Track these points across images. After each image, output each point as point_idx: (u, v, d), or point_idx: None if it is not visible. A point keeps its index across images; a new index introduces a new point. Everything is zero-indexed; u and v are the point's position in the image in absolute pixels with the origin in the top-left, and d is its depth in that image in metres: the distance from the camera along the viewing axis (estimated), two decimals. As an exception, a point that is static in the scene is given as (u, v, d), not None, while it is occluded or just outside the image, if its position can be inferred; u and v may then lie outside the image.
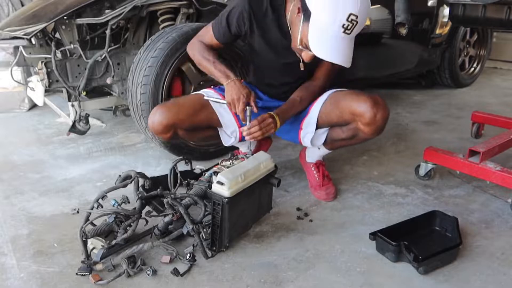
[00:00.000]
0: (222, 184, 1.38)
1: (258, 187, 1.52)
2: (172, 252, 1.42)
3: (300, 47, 1.46)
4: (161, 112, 1.63)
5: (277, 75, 1.76)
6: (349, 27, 1.32)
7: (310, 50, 1.41)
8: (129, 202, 1.53)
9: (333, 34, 1.34)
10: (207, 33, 1.71)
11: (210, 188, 1.43)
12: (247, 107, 1.57)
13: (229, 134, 1.81)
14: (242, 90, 1.58)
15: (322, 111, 1.70)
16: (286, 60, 1.65)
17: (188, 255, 1.41)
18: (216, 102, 1.71)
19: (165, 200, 1.50)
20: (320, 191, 1.86)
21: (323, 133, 1.77)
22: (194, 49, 1.71)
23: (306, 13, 1.39)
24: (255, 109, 1.59)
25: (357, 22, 1.32)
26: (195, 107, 1.69)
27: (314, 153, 1.92)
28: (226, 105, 1.73)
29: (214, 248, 1.45)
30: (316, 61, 1.51)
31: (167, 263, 1.41)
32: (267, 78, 1.81)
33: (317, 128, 1.73)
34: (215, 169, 1.49)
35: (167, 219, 1.49)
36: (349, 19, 1.31)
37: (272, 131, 1.59)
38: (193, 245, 1.46)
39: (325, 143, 1.81)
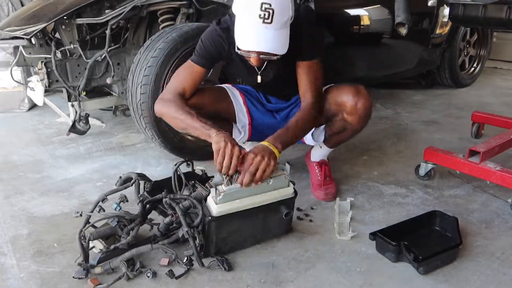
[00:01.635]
0: (213, 201, 1.36)
1: (263, 211, 1.44)
2: (171, 255, 1.40)
3: (239, 51, 1.47)
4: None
5: (259, 88, 1.81)
6: (266, 16, 1.35)
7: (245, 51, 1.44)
8: (127, 201, 1.52)
9: (254, 26, 1.38)
10: (184, 72, 1.63)
11: (206, 199, 1.41)
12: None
13: (239, 129, 1.84)
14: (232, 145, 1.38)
15: None
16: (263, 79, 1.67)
17: (186, 258, 1.39)
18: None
19: (163, 200, 1.48)
20: (320, 191, 1.86)
21: (322, 130, 1.80)
22: (165, 104, 1.56)
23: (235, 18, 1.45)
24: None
25: (273, 10, 1.35)
26: (217, 95, 1.75)
27: (317, 152, 1.94)
28: (241, 101, 1.80)
29: (202, 253, 1.42)
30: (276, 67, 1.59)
31: (165, 266, 1.40)
32: (258, 90, 1.87)
33: None
34: (217, 177, 1.41)
35: (167, 220, 1.48)
36: (263, 8, 1.35)
37: (271, 167, 1.37)
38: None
39: (325, 141, 1.83)
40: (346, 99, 1.62)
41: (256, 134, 1.86)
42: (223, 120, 1.81)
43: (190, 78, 1.61)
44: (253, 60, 1.49)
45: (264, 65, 1.58)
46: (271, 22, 1.36)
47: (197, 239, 1.38)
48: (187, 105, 1.55)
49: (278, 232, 1.56)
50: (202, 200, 1.44)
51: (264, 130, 1.85)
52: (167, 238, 1.50)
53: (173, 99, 1.56)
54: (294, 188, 1.48)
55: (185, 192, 1.63)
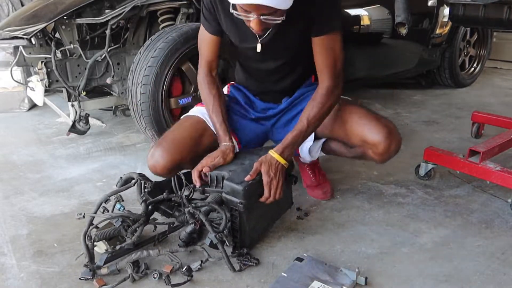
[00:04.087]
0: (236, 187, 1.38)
1: None
2: (176, 264, 1.38)
3: (234, 12, 1.28)
4: (161, 155, 1.48)
5: (258, 66, 1.60)
6: None
7: (246, 15, 1.26)
8: (123, 201, 1.51)
9: None
10: (203, 43, 1.57)
11: (226, 193, 1.41)
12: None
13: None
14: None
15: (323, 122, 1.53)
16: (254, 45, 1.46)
17: (185, 267, 1.35)
18: None
19: (186, 209, 1.46)
20: (317, 190, 1.86)
21: (318, 148, 1.68)
22: (200, 85, 1.61)
23: None
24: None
25: None
26: (195, 137, 1.55)
27: (308, 156, 1.75)
28: None
29: (236, 252, 1.44)
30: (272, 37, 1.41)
31: (167, 272, 1.37)
32: (251, 72, 1.66)
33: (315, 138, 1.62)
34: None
35: (189, 228, 1.45)
36: None
37: (281, 184, 1.44)
38: (201, 261, 1.40)
39: (323, 149, 1.70)
40: (378, 141, 1.46)
41: (245, 146, 1.70)
42: (207, 151, 1.58)
43: (210, 49, 1.57)
44: (253, 25, 1.28)
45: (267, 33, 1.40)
46: None
47: (226, 242, 1.39)
48: (212, 86, 1.58)
49: (286, 207, 1.70)
50: (221, 201, 1.45)
51: (253, 140, 1.71)
52: (192, 245, 1.49)
53: (203, 79, 1.59)
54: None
55: (186, 193, 1.63)
